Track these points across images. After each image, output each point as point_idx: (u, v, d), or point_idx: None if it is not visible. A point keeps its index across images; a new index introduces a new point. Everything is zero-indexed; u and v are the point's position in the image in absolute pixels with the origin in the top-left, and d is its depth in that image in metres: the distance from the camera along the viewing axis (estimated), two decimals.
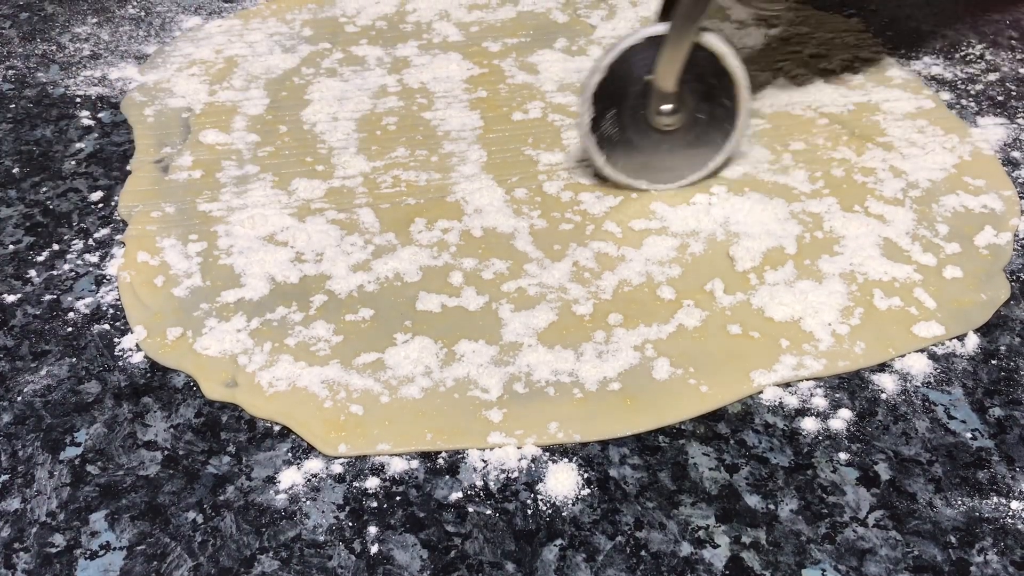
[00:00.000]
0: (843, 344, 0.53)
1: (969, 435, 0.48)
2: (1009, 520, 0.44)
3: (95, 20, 0.83)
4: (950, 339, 0.53)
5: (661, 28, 0.58)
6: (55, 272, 0.58)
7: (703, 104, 0.61)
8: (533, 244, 0.60)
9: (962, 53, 0.80)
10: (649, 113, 0.61)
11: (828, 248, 0.59)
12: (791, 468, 0.47)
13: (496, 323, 0.54)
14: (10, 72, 0.76)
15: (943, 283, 0.57)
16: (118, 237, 0.60)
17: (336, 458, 0.47)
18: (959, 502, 0.45)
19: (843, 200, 0.63)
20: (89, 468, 0.47)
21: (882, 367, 0.52)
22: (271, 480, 0.46)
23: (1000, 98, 0.74)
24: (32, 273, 0.58)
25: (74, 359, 0.53)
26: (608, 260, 0.59)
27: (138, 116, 0.72)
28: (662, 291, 0.56)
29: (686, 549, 0.43)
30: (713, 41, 0.59)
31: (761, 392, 0.50)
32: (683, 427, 0.49)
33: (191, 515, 0.45)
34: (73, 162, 0.67)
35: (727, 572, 0.42)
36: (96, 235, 0.61)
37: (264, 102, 0.73)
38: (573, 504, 0.45)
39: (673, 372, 0.51)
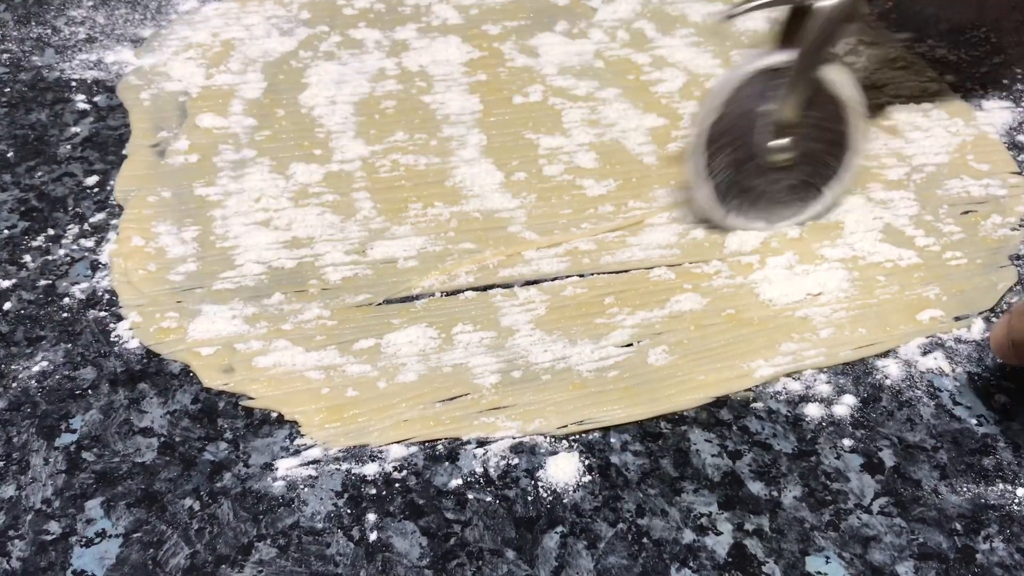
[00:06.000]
0: (845, 331, 0.52)
1: (974, 421, 0.48)
2: (1015, 507, 0.44)
3: (91, 3, 0.82)
4: (955, 325, 0.53)
5: (781, 58, 0.53)
6: (50, 257, 0.58)
7: (816, 133, 0.56)
8: (532, 228, 0.59)
9: (967, 35, 0.79)
10: (763, 148, 0.55)
11: (829, 233, 0.58)
12: (794, 455, 0.46)
13: (493, 308, 0.54)
14: (5, 56, 0.76)
15: (947, 269, 0.56)
16: (114, 222, 0.60)
17: (334, 445, 0.47)
18: (964, 489, 0.45)
19: None
20: (85, 455, 0.46)
21: (886, 353, 0.51)
22: (268, 467, 0.46)
23: (1006, 81, 0.73)
24: (27, 258, 0.57)
25: (69, 345, 0.52)
26: (607, 244, 0.58)
27: (134, 100, 0.71)
28: (661, 275, 0.56)
29: (688, 536, 0.43)
30: (831, 71, 0.54)
31: (763, 384, 0.50)
32: (685, 413, 0.48)
33: (188, 502, 0.44)
34: (68, 146, 0.67)
35: (730, 559, 0.42)
36: (92, 220, 0.60)
37: (261, 86, 0.72)
38: (574, 491, 0.45)
39: (671, 359, 0.51)
